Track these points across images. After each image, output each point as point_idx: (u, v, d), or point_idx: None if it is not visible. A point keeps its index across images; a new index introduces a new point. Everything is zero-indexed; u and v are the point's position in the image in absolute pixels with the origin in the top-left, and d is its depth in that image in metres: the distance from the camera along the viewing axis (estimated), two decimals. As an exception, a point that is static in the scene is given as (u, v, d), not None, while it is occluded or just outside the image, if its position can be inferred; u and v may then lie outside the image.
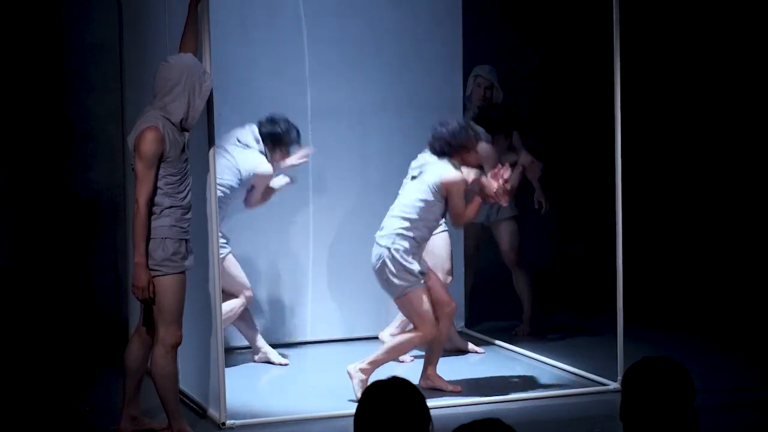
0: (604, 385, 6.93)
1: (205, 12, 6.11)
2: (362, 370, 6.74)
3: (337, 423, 6.40)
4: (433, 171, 6.71)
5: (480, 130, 6.93)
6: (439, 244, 7.53)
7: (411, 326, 6.88)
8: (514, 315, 8.49)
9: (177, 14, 6.35)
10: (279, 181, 7.53)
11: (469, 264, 8.41)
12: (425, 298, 6.67)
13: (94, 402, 6.84)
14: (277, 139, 7.41)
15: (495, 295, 9.03)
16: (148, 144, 5.76)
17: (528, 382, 7.12)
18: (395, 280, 6.66)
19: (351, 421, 6.39)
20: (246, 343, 7.77)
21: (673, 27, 10.00)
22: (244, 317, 7.49)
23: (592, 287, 9.58)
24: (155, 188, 5.80)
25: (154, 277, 5.82)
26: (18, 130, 8.47)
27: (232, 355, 7.66)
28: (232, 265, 7.29)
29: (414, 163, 6.87)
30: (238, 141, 7.36)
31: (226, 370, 6.36)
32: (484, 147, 6.94)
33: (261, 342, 7.60)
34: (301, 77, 8.00)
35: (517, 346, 7.95)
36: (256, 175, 7.32)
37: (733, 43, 9.71)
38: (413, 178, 6.81)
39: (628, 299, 6.89)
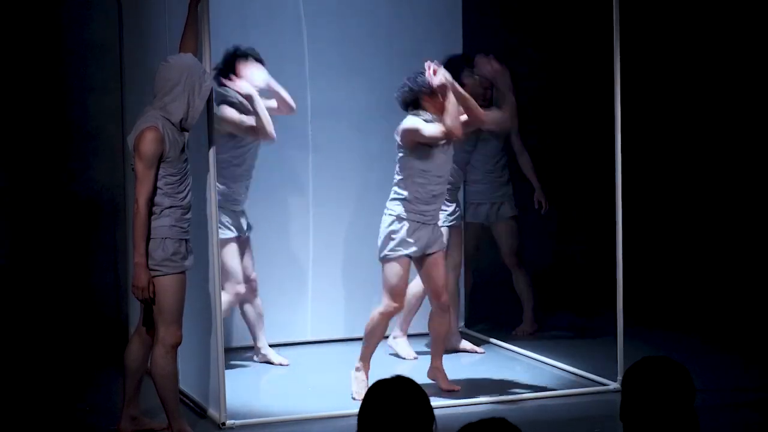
0: (604, 385, 6.94)
1: (205, 12, 6.11)
2: (357, 369, 6.77)
3: (337, 423, 6.41)
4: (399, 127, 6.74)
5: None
6: (453, 236, 7.56)
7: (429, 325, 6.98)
8: (514, 315, 8.49)
9: (177, 14, 6.35)
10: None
11: (469, 264, 8.41)
12: (398, 272, 6.68)
13: (94, 402, 6.83)
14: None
15: (495, 295, 9.03)
16: (148, 144, 5.76)
17: (528, 382, 7.11)
18: (378, 242, 6.73)
19: (351, 421, 6.39)
20: (245, 343, 7.77)
21: (673, 27, 10.00)
22: (253, 312, 7.48)
23: (592, 287, 9.58)
24: (155, 188, 5.80)
25: (154, 277, 5.82)
26: (18, 130, 8.46)
27: (232, 355, 7.66)
28: (228, 254, 7.18)
29: None
30: None
31: (226, 370, 6.37)
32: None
33: (263, 342, 7.59)
34: (301, 77, 8.00)
35: (517, 346, 7.95)
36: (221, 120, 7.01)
37: (733, 43, 9.71)
38: None
39: (628, 299, 6.89)
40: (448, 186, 7.57)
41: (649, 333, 8.17)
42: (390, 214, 6.73)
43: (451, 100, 6.65)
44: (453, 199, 7.66)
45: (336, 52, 8.06)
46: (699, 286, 9.52)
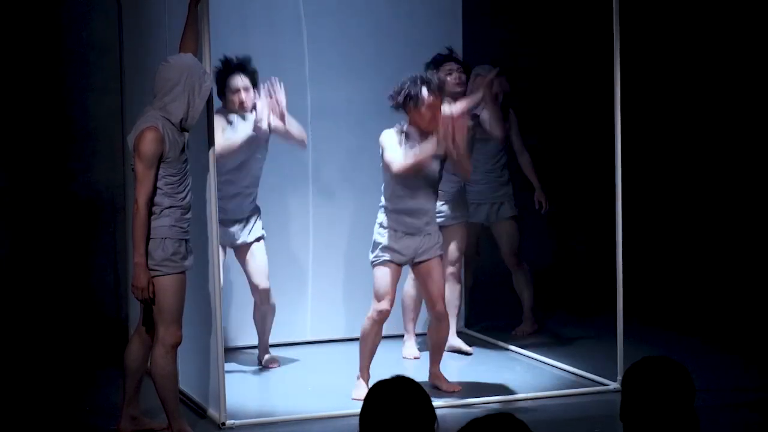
0: (604, 385, 6.94)
1: (205, 12, 6.11)
2: (358, 378, 6.79)
3: (337, 423, 6.41)
4: None
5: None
6: (452, 234, 7.56)
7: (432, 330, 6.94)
8: (514, 315, 8.49)
9: (177, 14, 6.35)
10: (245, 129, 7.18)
11: (469, 264, 8.41)
12: (382, 277, 6.67)
13: (94, 402, 6.83)
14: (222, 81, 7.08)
15: (495, 295, 9.03)
16: (148, 144, 5.76)
17: (528, 382, 7.11)
18: (370, 251, 6.74)
19: (351, 421, 6.41)
20: (245, 343, 7.78)
21: (673, 27, 10.00)
22: (259, 319, 7.49)
23: (592, 287, 9.58)
24: (155, 188, 5.80)
25: (154, 277, 5.82)
26: (18, 130, 8.47)
27: (232, 355, 7.66)
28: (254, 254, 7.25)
29: None
30: None
31: (226, 370, 6.36)
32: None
33: (262, 345, 7.58)
34: (301, 77, 8.00)
35: (517, 346, 7.95)
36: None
37: (733, 43, 9.71)
38: None
39: (627, 299, 6.89)
40: (449, 187, 7.58)
41: (649, 333, 8.17)
42: (377, 221, 6.75)
43: (438, 136, 6.55)
44: (454, 199, 7.64)
45: (336, 52, 8.06)
46: (699, 286, 9.52)
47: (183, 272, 5.90)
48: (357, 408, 6.54)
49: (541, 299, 8.67)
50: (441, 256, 6.83)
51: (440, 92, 6.65)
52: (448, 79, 7.43)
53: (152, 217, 5.81)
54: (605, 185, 7.43)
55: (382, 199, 6.73)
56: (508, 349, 7.95)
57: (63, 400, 6.95)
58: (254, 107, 7.14)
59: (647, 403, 3.25)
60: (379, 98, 8.09)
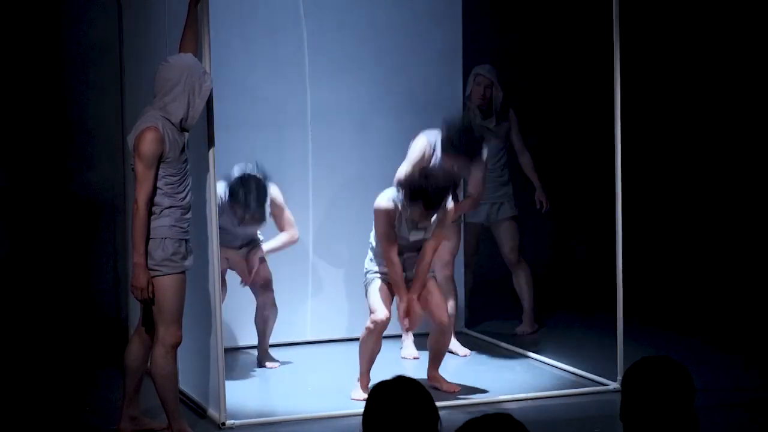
0: (604, 385, 6.93)
1: (205, 12, 6.10)
2: (358, 381, 6.78)
3: (337, 423, 6.41)
4: None
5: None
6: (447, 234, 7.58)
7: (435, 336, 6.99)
8: (514, 315, 8.49)
9: (177, 14, 6.35)
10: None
11: (469, 264, 8.41)
12: (378, 290, 6.73)
13: (94, 402, 6.83)
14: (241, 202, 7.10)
15: (495, 295, 9.03)
16: (148, 144, 5.76)
17: (528, 382, 7.11)
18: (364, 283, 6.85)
19: (351, 421, 6.42)
20: (245, 343, 7.77)
21: (673, 27, 10.00)
22: (260, 319, 7.50)
23: (592, 287, 9.58)
24: (155, 188, 5.80)
25: (154, 277, 5.82)
26: (18, 130, 8.47)
27: (233, 355, 7.66)
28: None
29: None
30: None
31: (226, 370, 6.36)
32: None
33: (261, 345, 7.59)
34: (301, 77, 8.00)
35: (517, 346, 7.95)
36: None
37: (733, 43, 9.71)
38: None
39: (627, 299, 6.89)
40: None
41: (649, 333, 8.17)
42: (367, 256, 6.85)
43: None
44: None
45: (336, 52, 8.05)
46: (699, 286, 9.52)
47: (183, 272, 5.90)
48: (357, 408, 6.57)
49: (541, 299, 8.67)
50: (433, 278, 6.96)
51: (435, 206, 6.61)
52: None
53: (152, 217, 5.81)
54: (605, 185, 7.43)
55: (372, 240, 6.83)
56: (508, 349, 7.95)
57: (63, 400, 6.95)
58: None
59: (647, 403, 3.25)
60: (379, 98, 8.12)
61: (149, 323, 5.97)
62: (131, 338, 6.18)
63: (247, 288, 7.47)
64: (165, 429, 6.11)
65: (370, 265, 6.83)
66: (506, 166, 8.26)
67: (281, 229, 7.42)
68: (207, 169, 6.20)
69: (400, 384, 3.20)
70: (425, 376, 6.90)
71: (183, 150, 5.90)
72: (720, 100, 9.82)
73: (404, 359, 7.74)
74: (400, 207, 6.66)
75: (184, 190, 5.91)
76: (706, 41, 9.84)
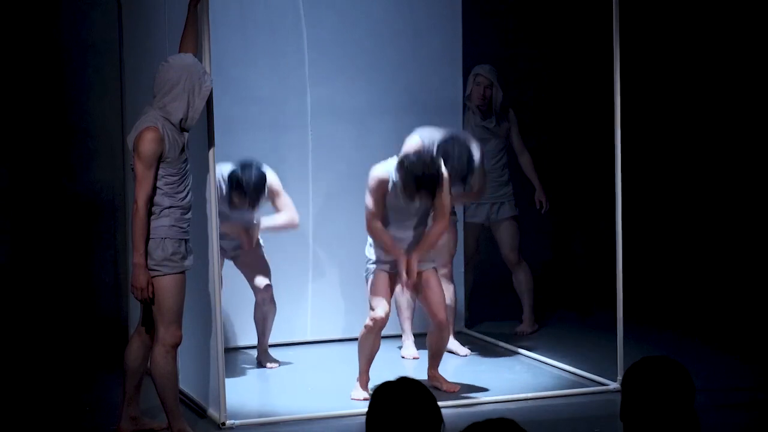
0: (604, 385, 6.93)
1: (205, 12, 6.10)
2: (357, 380, 6.78)
3: (337, 423, 6.41)
4: None
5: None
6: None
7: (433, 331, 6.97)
8: (514, 315, 8.49)
9: (177, 14, 6.35)
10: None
11: (469, 264, 8.41)
12: (378, 285, 6.70)
13: (94, 402, 6.83)
14: (240, 189, 7.16)
15: (495, 295, 9.03)
16: (147, 144, 5.76)
17: (528, 382, 7.11)
18: (365, 275, 6.80)
19: (351, 421, 6.41)
20: (245, 343, 7.77)
21: (673, 27, 9.99)
22: (260, 318, 7.50)
23: (592, 287, 9.58)
24: (155, 188, 5.80)
25: (154, 277, 5.82)
26: (18, 130, 8.47)
27: (232, 355, 7.66)
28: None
29: None
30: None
31: (226, 370, 6.36)
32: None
33: (261, 345, 7.59)
34: (301, 77, 8.00)
35: (517, 346, 7.95)
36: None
37: (733, 43, 9.71)
38: None
39: (628, 299, 6.89)
40: None
41: (649, 333, 8.17)
42: (368, 240, 6.80)
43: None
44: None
45: (336, 52, 8.06)
46: (699, 286, 9.52)
47: (183, 272, 5.90)
48: (356, 408, 6.58)
49: (541, 299, 8.67)
50: (435, 268, 6.86)
51: (426, 190, 6.54)
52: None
53: (152, 217, 5.81)
54: (605, 185, 7.43)
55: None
56: (507, 349, 7.95)
57: (63, 400, 6.95)
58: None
59: (647, 403, 3.25)
60: (379, 98, 8.12)
61: (149, 323, 5.97)
62: (131, 338, 6.18)
63: (247, 287, 7.47)
64: (165, 429, 6.11)
65: (370, 252, 6.77)
66: (506, 166, 8.26)
67: (282, 226, 7.43)
68: (207, 169, 6.20)
69: (404, 385, 3.20)
70: (425, 376, 6.90)
71: (183, 150, 5.90)
72: (720, 100, 9.82)
73: (404, 359, 7.75)
74: (394, 179, 6.61)
75: (184, 190, 5.91)
76: (706, 41, 9.84)
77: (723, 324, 8.62)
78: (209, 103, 6.12)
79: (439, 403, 3.23)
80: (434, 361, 6.97)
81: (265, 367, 7.54)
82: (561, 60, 10.20)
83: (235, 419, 6.30)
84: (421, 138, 7.18)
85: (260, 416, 6.49)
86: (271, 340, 7.69)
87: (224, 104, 7.22)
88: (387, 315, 6.71)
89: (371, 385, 6.71)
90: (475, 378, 7.20)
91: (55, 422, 6.56)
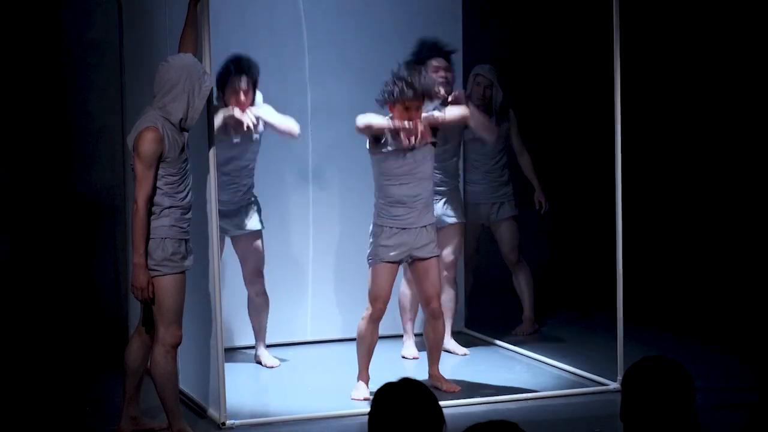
0: (604, 385, 6.93)
1: (205, 12, 6.10)
2: (358, 379, 6.78)
3: (337, 423, 6.41)
4: None
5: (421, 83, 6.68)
6: (448, 234, 7.57)
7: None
8: (514, 315, 8.49)
9: (177, 14, 6.35)
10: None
11: (469, 264, 8.41)
12: (376, 277, 6.68)
13: (94, 402, 6.83)
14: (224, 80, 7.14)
15: (495, 295, 9.03)
16: (147, 144, 5.76)
17: (528, 382, 7.11)
18: (368, 258, 6.77)
19: (351, 421, 6.41)
20: (245, 343, 7.78)
21: (673, 27, 10.00)
22: (256, 313, 7.51)
23: (592, 287, 9.58)
24: (155, 188, 5.80)
25: (154, 277, 5.82)
26: (18, 130, 8.47)
27: (232, 355, 7.66)
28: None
29: None
30: None
31: (226, 370, 6.36)
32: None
33: (260, 342, 7.59)
34: (301, 77, 8.00)
35: (517, 346, 7.95)
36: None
37: (733, 43, 9.71)
38: None
39: (627, 299, 6.89)
40: (443, 187, 7.59)
41: (649, 333, 8.17)
42: (372, 221, 6.75)
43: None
44: (450, 199, 7.65)
45: (336, 52, 8.06)
46: (699, 286, 9.52)
47: (183, 272, 5.90)
48: (356, 408, 6.58)
49: (541, 299, 8.67)
50: (438, 257, 6.83)
51: (420, 90, 6.60)
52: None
53: (152, 217, 5.81)
54: (605, 185, 7.43)
55: (374, 196, 6.75)
56: (508, 349, 7.95)
57: (63, 400, 6.95)
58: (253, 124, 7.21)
59: (647, 403, 3.25)
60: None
61: (149, 323, 5.97)
62: (131, 338, 6.18)
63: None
64: (165, 429, 6.11)
65: (375, 233, 6.69)
66: (506, 167, 8.26)
67: (281, 127, 7.33)
68: (207, 169, 6.20)
69: (406, 386, 3.21)
70: (426, 376, 6.90)
71: (183, 150, 5.90)
72: (720, 100, 9.82)
73: (404, 359, 7.75)
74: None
75: (184, 190, 5.91)
76: (707, 41, 9.84)
77: (723, 324, 8.62)
78: (209, 102, 6.12)
79: (440, 403, 3.23)
80: (433, 356, 6.95)
81: (264, 365, 7.54)
82: (561, 60, 10.20)
83: (235, 419, 6.30)
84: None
85: (260, 416, 6.49)
86: (271, 340, 7.69)
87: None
88: (385, 304, 6.71)
89: (371, 385, 6.71)
90: (475, 378, 7.21)
91: (56, 422, 6.56)
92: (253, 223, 7.38)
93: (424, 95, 6.61)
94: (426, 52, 7.40)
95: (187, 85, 5.86)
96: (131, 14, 7.49)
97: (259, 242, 7.43)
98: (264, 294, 7.49)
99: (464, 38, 8.31)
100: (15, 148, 8.47)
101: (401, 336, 7.86)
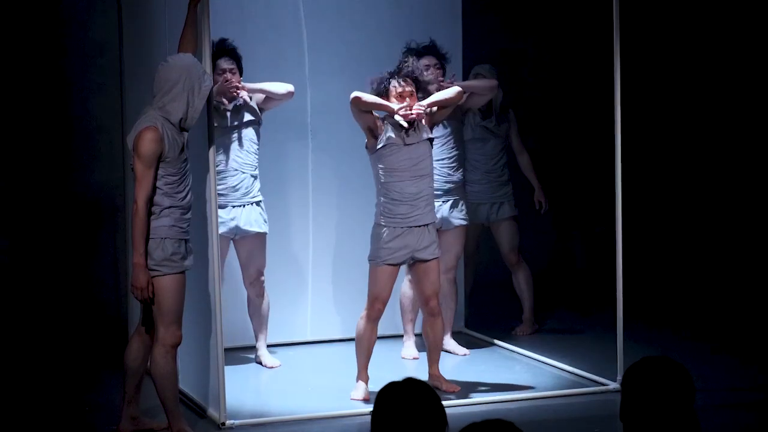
0: (604, 385, 6.93)
1: (205, 12, 6.10)
2: (357, 380, 6.78)
3: (337, 423, 6.41)
4: None
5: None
6: (451, 236, 7.57)
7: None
8: (514, 315, 8.49)
9: (177, 14, 6.35)
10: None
11: (469, 264, 8.41)
12: (377, 278, 6.68)
13: (94, 402, 6.83)
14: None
15: (495, 295, 9.03)
16: (147, 144, 5.76)
17: (528, 382, 7.11)
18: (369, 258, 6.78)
19: (351, 421, 6.41)
20: (245, 343, 7.78)
21: (673, 27, 10.00)
22: (256, 313, 7.51)
23: (591, 287, 9.58)
24: (154, 188, 5.80)
25: (154, 277, 5.82)
26: (18, 130, 8.47)
27: (232, 355, 7.66)
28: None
29: None
30: None
31: (226, 370, 6.36)
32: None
33: (260, 343, 7.60)
34: (301, 75, 8.00)
35: (517, 346, 7.95)
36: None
37: (733, 43, 9.71)
38: None
39: (628, 299, 6.89)
40: (449, 184, 7.60)
41: (649, 333, 8.17)
42: (374, 221, 6.75)
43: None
44: (453, 200, 7.66)
45: (336, 52, 8.06)
46: (699, 286, 9.52)
47: (183, 272, 5.90)
48: (356, 408, 6.57)
49: (541, 299, 8.67)
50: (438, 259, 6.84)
51: (414, 80, 6.67)
52: (425, 74, 7.39)
53: (152, 217, 5.81)
54: (605, 185, 7.43)
55: (376, 195, 6.75)
56: (508, 349, 7.95)
57: (63, 400, 6.95)
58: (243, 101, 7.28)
59: (647, 403, 3.25)
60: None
61: (149, 323, 5.97)
62: (131, 338, 6.18)
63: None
64: (165, 429, 6.11)
65: (377, 234, 6.68)
66: (506, 166, 8.26)
67: (274, 90, 7.39)
68: (207, 169, 6.20)
69: (410, 386, 3.21)
70: (426, 377, 6.90)
71: (182, 150, 5.90)
72: (720, 100, 9.82)
73: (404, 359, 7.75)
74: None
75: (184, 189, 5.91)
76: (707, 41, 9.84)
77: (723, 324, 8.62)
78: (209, 102, 6.12)
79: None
80: (433, 356, 6.95)
81: (265, 366, 7.54)
82: (561, 60, 10.20)
83: (235, 419, 6.30)
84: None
85: (260, 416, 6.48)
86: (271, 340, 7.70)
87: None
88: (384, 304, 6.72)
89: (371, 385, 6.71)
90: (474, 378, 7.21)
91: (56, 422, 6.56)
92: (257, 225, 7.39)
93: (415, 78, 6.67)
94: (418, 50, 7.42)
95: (187, 84, 5.86)
96: (131, 14, 7.49)
97: (262, 245, 7.44)
98: (264, 296, 7.50)
99: (464, 38, 8.31)
100: (15, 148, 8.47)
101: (401, 336, 7.86)
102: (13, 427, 6.52)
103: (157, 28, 6.95)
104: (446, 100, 6.77)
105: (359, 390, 6.73)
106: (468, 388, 6.95)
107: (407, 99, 6.64)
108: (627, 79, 6.95)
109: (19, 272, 8.45)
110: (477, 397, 6.78)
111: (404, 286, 7.72)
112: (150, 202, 5.79)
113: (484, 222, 8.31)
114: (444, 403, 6.48)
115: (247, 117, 7.36)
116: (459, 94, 6.80)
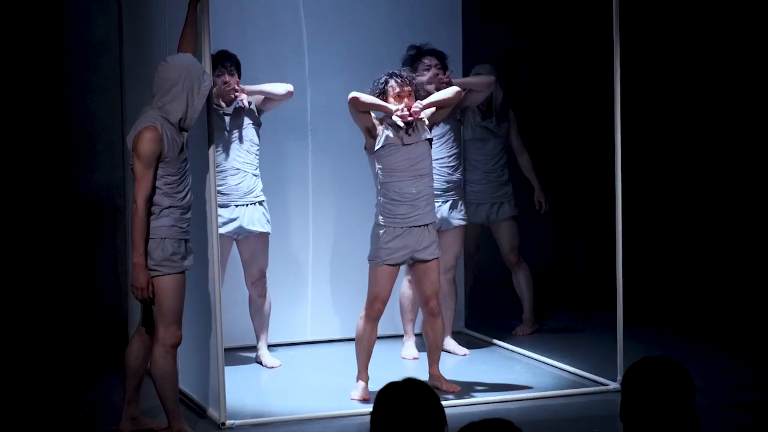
0: (604, 385, 6.93)
1: (205, 12, 6.10)
2: (357, 380, 6.78)
3: (337, 423, 6.41)
4: None
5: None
6: (451, 237, 7.58)
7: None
8: (514, 315, 8.49)
9: (177, 14, 6.35)
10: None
11: (469, 264, 8.41)
12: (376, 279, 6.68)
13: (94, 402, 6.83)
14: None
15: (495, 295, 9.03)
16: (146, 144, 5.76)
17: (528, 382, 7.11)
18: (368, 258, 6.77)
19: (350, 421, 6.41)
20: (245, 343, 7.78)
21: (673, 27, 10.00)
22: (257, 313, 7.51)
23: (592, 287, 9.58)
24: (154, 188, 5.80)
25: (154, 277, 5.82)
26: (18, 130, 8.47)
27: (232, 355, 7.66)
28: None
29: None
30: None
31: (226, 370, 6.36)
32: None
33: (261, 343, 7.60)
34: (301, 75, 8.00)
35: (517, 346, 7.95)
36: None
37: (733, 43, 9.71)
38: None
39: (627, 299, 6.89)
40: (448, 184, 7.60)
41: (649, 333, 8.17)
42: (374, 221, 6.75)
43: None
44: (453, 200, 7.66)
45: (336, 52, 8.06)
46: (699, 286, 9.52)
47: (183, 272, 5.90)
48: (356, 408, 6.58)
49: (541, 299, 8.67)
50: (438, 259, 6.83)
51: (410, 82, 6.69)
52: (426, 74, 7.42)
53: (151, 217, 5.81)
54: (605, 185, 7.43)
55: (377, 196, 6.75)
56: (508, 349, 7.95)
57: (63, 400, 6.95)
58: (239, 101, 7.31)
59: (647, 403, 3.25)
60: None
61: (149, 323, 5.97)
62: (131, 338, 6.18)
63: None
64: (165, 429, 6.11)
65: (377, 234, 6.67)
66: (506, 166, 8.26)
67: (273, 90, 7.41)
68: (207, 169, 6.20)
69: (409, 386, 3.21)
70: (426, 377, 6.90)
71: (182, 149, 5.90)
72: (720, 100, 9.82)
73: (404, 359, 7.75)
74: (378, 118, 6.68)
75: (184, 189, 5.91)
76: (707, 41, 9.84)
77: (723, 324, 8.62)
78: (208, 102, 6.12)
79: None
80: (433, 356, 6.94)
81: (265, 366, 7.54)
82: (561, 60, 10.20)
83: (235, 419, 6.30)
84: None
85: (260, 416, 6.49)
86: (271, 340, 7.70)
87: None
88: (384, 304, 6.72)
89: (371, 385, 6.71)
90: (474, 378, 7.21)
91: (56, 422, 6.56)
92: (261, 224, 7.40)
93: (411, 80, 6.70)
94: (419, 52, 7.43)
95: (186, 84, 5.86)
96: (131, 14, 7.49)
97: (265, 244, 7.45)
98: (265, 296, 7.50)
99: (464, 38, 8.31)
100: (15, 148, 8.47)
101: (401, 336, 7.86)
102: (14, 427, 6.52)
103: (157, 28, 6.95)
104: (444, 100, 6.77)
105: (359, 390, 6.73)
106: (468, 388, 6.95)
107: (405, 99, 6.64)
108: (627, 79, 6.95)
109: (18, 272, 8.45)
110: (477, 397, 6.78)
111: (404, 286, 7.73)
112: (150, 202, 5.79)
113: (485, 222, 8.31)
114: (444, 403, 6.48)
115: (247, 119, 7.36)
116: (457, 94, 6.80)
